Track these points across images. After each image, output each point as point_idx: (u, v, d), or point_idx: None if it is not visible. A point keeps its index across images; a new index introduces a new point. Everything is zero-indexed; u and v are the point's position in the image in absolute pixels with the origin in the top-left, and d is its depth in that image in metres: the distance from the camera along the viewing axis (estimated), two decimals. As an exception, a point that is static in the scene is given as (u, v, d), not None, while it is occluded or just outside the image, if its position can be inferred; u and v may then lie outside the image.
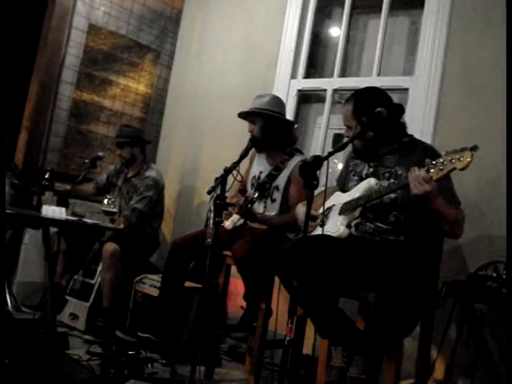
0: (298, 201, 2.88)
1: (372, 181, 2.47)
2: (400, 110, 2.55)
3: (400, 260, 2.36)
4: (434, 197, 2.17)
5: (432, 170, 2.09)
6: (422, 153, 2.40)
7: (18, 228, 4.07)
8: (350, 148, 2.60)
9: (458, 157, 2.01)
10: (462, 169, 2.01)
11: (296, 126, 3.61)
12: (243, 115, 3.33)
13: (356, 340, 2.30)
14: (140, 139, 4.13)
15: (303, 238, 2.12)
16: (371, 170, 2.56)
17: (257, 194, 3.22)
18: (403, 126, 2.56)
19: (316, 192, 2.18)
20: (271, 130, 3.22)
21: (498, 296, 2.43)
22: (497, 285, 2.49)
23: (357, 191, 2.50)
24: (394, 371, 2.39)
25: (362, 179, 2.55)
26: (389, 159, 2.51)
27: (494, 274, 2.56)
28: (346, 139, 2.54)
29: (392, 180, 2.42)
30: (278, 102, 3.33)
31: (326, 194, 2.40)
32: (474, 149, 1.98)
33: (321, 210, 2.57)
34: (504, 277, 2.51)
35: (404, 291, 2.29)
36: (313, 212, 2.51)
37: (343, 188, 2.72)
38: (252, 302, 2.99)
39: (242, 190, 3.07)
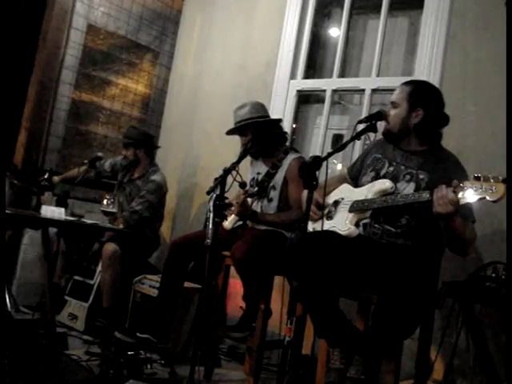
0: (298, 199, 2.88)
1: (387, 183, 2.40)
2: (445, 120, 2.51)
3: (405, 265, 2.32)
4: (453, 216, 2.11)
5: (460, 194, 2.02)
6: (451, 168, 2.35)
7: (17, 228, 4.07)
8: (349, 147, 2.56)
9: (489, 187, 1.94)
10: (495, 201, 1.94)
11: (294, 125, 3.61)
12: (232, 132, 3.34)
13: (355, 341, 2.29)
14: (144, 142, 4.11)
15: (307, 233, 2.10)
16: (391, 169, 2.49)
17: (256, 189, 3.23)
18: (439, 136, 2.52)
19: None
20: (264, 135, 3.23)
21: (497, 297, 2.43)
22: (496, 285, 2.49)
23: (370, 191, 2.44)
24: (393, 372, 2.39)
25: (378, 177, 2.50)
26: (413, 160, 2.45)
27: (493, 275, 2.56)
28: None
29: (412, 183, 2.37)
30: (259, 107, 3.34)
31: (333, 182, 2.36)
32: (506, 181, 1.92)
33: (329, 200, 2.54)
34: (503, 277, 2.51)
35: (407, 294, 2.27)
36: (319, 199, 2.48)
37: (356, 179, 2.66)
38: (251, 302, 2.99)
39: (243, 184, 3.04)
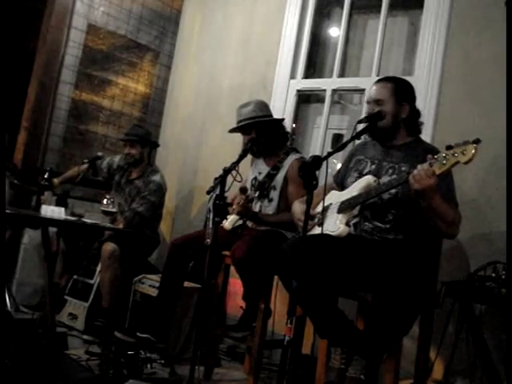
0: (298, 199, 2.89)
1: (370, 178, 2.46)
2: (419, 113, 2.60)
3: (399, 259, 2.35)
4: (432, 193, 2.16)
5: (434, 165, 2.08)
6: (425, 151, 2.39)
7: (17, 228, 4.07)
8: (349, 147, 2.58)
9: (460, 150, 2.00)
10: (466, 162, 1.99)
11: (294, 125, 3.62)
12: (236, 130, 3.34)
13: (356, 340, 2.30)
14: (151, 141, 4.18)
15: (303, 237, 2.12)
16: (373, 166, 2.54)
17: (257, 194, 3.23)
18: (418, 130, 2.58)
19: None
20: (266, 134, 3.23)
21: (497, 296, 2.43)
22: (496, 285, 2.49)
23: (354, 189, 2.49)
24: (393, 371, 2.39)
25: (361, 176, 2.54)
26: (394, 155, 2.50)
27: (493, 274, 2.56)
28: (365, 114, 2.54)
29: (394, 176, 2.41)
30: (263, 106, 3.34)
31: (321, 192, 2.39)
32: (476, 142, 1.97)
33: (318, 209, 2.57)
34: (503, 277, 2.51)
35: (402, 290, 2.28)
36: (311, 211, 2.50)
37: (341, 185, 2.70)
38: (251, 302, 3.00)
39: (244, 189, 3.09)
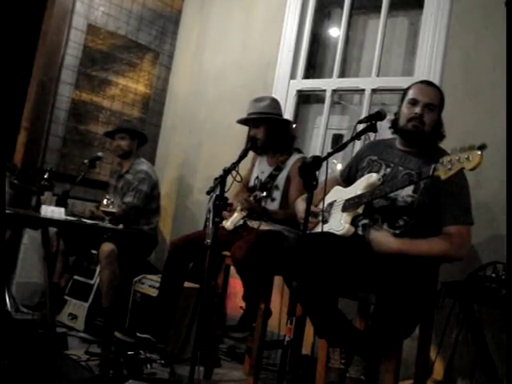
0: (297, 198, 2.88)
1: (374, 176, 2.45)
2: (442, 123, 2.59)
3: (404, 264, 2.32)
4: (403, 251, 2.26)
5: (440, 170, 2.06)
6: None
7: (17, 228, 4.06)
8: (349, 147, 2.56)
9: (466, 156, 1.97)
10: (472, 169, 1.97)
11: (294, 125, 3.63)
12: (247, 121, 3.34)
13: (355, 340, 2.29)
14: (140, 134, 4.23)
15: (303, 235, 2.12)
16: (389, 170, 2.50)
17: (265, 193, 3.23)
18: (440, 139, 2.56)
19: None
20: (275, 132, 3.25)
21: (497, 297, 2.43)
22: (496, 285, 2.49)
23: (358, 187, 2.47)
24: (393, 371, 2.38)
25: None
26: (412, 161, 2.47)
27: (493, 275, 2.56)
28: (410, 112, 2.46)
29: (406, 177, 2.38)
30: (277, 104, 3.38)
31: (323, 185, 2.38)
32: (482, 148, 1.95)
33: (321, 206, 2.56)
34: (503, 277, 2.51)
35: (405, 294, 2.27)
36: (313, 208, 2.49)
37: (348, 181, 2.68)
38: (251, 302, 2.99)
39: (251, 188, 3.09)
